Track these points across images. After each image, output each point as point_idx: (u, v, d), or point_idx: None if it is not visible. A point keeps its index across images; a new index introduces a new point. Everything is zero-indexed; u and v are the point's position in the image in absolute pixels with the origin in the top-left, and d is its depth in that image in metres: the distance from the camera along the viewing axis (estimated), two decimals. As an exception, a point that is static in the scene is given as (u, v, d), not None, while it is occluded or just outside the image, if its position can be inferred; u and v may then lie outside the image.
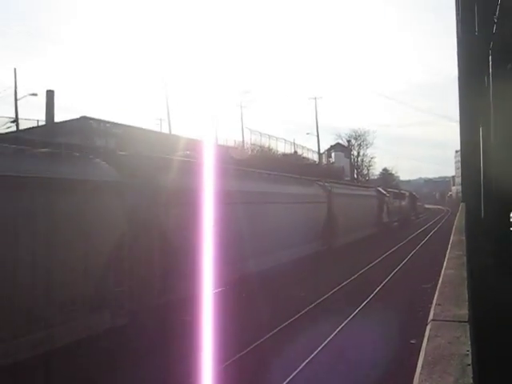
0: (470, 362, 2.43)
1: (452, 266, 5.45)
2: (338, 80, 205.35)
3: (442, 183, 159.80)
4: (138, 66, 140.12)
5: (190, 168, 14.82)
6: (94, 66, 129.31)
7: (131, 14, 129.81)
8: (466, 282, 4.49)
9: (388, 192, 53.13)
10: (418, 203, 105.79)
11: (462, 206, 25.33)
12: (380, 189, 50.48)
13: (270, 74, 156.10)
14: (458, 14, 14.05)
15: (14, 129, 33.75)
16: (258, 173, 22.25)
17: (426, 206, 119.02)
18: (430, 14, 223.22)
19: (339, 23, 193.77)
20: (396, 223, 54.62)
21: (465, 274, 4.97)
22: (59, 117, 31.65)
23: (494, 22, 11.64)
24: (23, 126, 36.03)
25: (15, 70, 40.29)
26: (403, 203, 65.03)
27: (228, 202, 15.11)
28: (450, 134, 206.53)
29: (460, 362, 2.42)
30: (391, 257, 30.28)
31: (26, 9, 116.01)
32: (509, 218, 16.87)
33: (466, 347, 2.64)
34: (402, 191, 72.06)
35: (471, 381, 2.22)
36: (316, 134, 71.82)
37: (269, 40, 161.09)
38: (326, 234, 28.02)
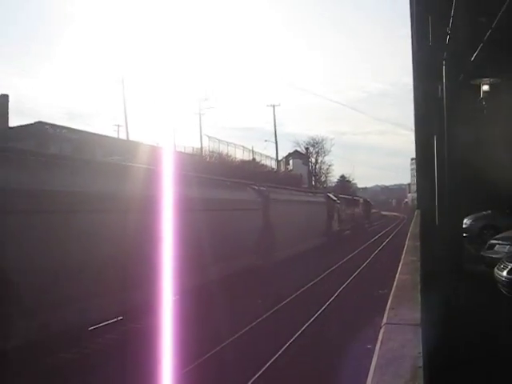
0: (421, 364, 2.48)
1: (406, 271, 5.56)
2: (297, 88, 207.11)
3: (399, 190, 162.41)
4: (95, 70, 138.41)
5: (126, 172, 14.27)
6: (50, 69, 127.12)
7: (89, 17, 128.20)
8: (419, 287, 4.58)
9: (339, 198, 50.27)
10: (374, 210, 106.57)
11: (417, 212, 25.83)
12: (330, 195, 47.76)
13: (229, 81, 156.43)
14: (412, 25, 14.37)
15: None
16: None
17: (383, 212, 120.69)
18: (385, 23, 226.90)
19: (296, 32, 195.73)
20: (348, 231, 51.63)
21: (418, 279, 5.08)
22: (14, 122, 31.07)
23: (448, 34, 11.98)
24: (-24, 130, 35.22)
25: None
26: (357, 210, 63.48)
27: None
28: (406, 142, 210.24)
29: (412, 364, 2.48)
30: (340, 270, 26.75)
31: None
32: (461, 224, 17.29)
33: (418, 350, 2.70)
34: (356, 197, 71.00)
35: (422, 382, 2.27)
36: (274, 141, 72.11)
37: (228, 47, 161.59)
38: (262, 246, 24.11)
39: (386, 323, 3.28)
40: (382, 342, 2.87)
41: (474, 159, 18.41)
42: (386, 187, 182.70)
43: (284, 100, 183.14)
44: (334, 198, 46.85)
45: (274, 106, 72.82)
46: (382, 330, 3.12)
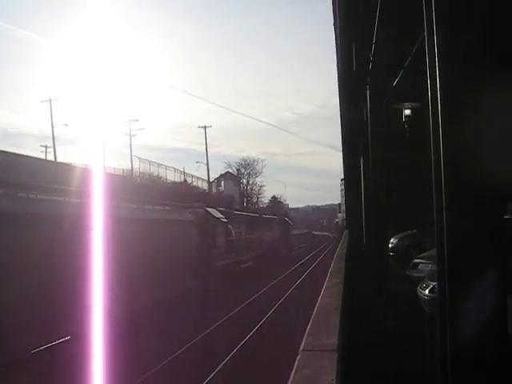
0: (333, 391, 2.51)
1: (328, 294, 5.62)
2: (229, 109, 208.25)
3: (330, 210, 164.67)
4: (21, 88, 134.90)
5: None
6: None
7: (16, 34, 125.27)
8: (340, 310, 4.64)
9: (231, 216, 35.28)
10: (302, 231, 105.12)
11: (345, 232, 26.32)
12: (211, 210, 31.18)
13: (160, 102, 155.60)
14: (337, 52, 14.75)
15: None
16: None
17: (314, 232, 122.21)
18: (312, 48, 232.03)
19: (228, 54, 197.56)
20: (249, 263, 36.83)
21: (339, 302, 5.15)
22: None
23: (370, 60, 12.36)
24: None
25: None
26: (267, 233, 48.82)
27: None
28: (336, 162, 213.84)
29: (323, 391, 2.50)
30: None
31: None
32: (387, 244, 17.72)
33: (331, 376, 2.73)
34: (266, 216, 57.34)
35: (331, 410, 2.29)
36: (206, 162, 72.10)
37: (160, 67, 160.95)
38: None
39: (302, 350, 3.30)
40: (296, 369, 2.88)
41: (400, 181, 18.96)
42: (318, 207, 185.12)
43: (216, 121, 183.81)
44: (218, 215, 31.29)
45: (205, 127, 73.03)
46: (298, 357, 3.14)
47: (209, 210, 30.71)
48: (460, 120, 3.94)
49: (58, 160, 47.87)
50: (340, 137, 24.14)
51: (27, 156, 37.70)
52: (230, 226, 33.29)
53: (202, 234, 27.21)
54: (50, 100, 55.95)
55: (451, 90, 4.00)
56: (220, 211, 32.63)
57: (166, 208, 26.10)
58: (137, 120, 63.73)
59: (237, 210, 42.15)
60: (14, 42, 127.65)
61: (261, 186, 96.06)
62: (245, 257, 36.61)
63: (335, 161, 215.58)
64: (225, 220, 32.12)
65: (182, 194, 44.03)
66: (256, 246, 42.14)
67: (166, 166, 59.32)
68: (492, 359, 3.68)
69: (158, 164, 57.63)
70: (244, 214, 43.01)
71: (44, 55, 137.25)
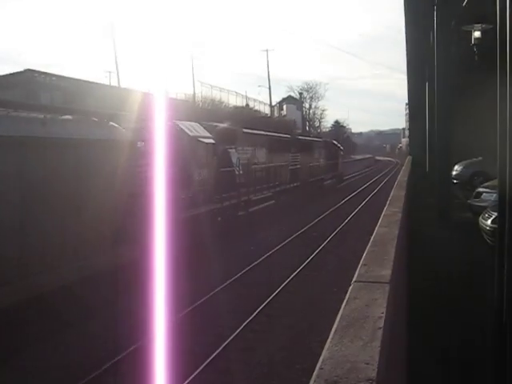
0: (381, 325, 2.52)
1: (386, 223, 5.57)
2: (289, 32, 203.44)
3: (393, 135, 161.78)
4: (83, 14, 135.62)
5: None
6: (36, 14, 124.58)
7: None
8: (396, 241, 4.61)
9: (232, 135, 24.52)
10: (358, 156, 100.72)
11: (408, 159, 25.83)
12: (185, 124, 19.74)
13: (222, 26, 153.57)
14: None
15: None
16: None
17: (377, 158, 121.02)
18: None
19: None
20: (264, 205, 26.70)
21: (397, 232, 5.10)
22: (2, 70, 30.64)
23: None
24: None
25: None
26: (304, 160, 37.10)
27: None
28: (401, 86, 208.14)
29: (372, 325, 2.52)
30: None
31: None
32: (451, 172, 17.35)
33: (381, 310, 2.74)
34: (303, 137, 44.59)
35: (379, 344, 2.31)
36: (268, 86, 71.46)
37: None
38: None
39: (355, 281, 3.31)
40: (347, 301, 2.91)
41: (466, 106, 18.34)
42: (381, 132, 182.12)
43: (278, 45, 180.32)
44: (196, 133, 19.83)
45: (267, 51, 72.07)
46: (350, 289, 3.16)
47: (180, 124, 19.02)
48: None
49: (122, 86, 48.24)
50: (406, 60, 23.30)
51: (92, 82, 38.39)
52: (230, 151, 23.30)
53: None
54: (112, 24, 56.06)
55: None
56: (210, 127, 21.84)
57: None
58: (199, 43, 63.19)
59: (254, 130, 29.36)
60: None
61: (323, 110, 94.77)
62: (259, 195, 26.03)
63: (401, 85, 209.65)
64: (210, 141, 20.07)
65: (244, 118, 43.89)
66: (284, 177, 31.64)
67: (228, 91, 59.27)
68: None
69: (220, 88, 57.61)
70: (264, 134, 30.22)
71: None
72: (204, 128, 20.69)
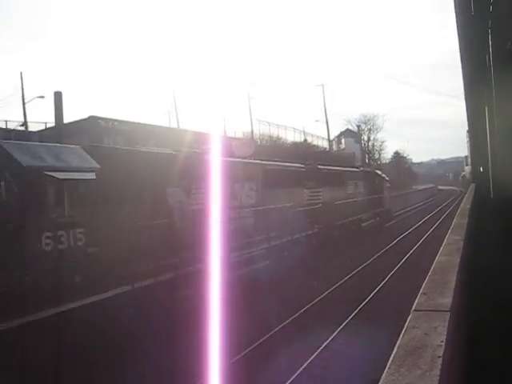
0: (441, 353, 2.45)
1: (447, 251, 5.45)
2: (343, 65, 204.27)
3: (456, 163, 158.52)
4: (144, 62, 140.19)
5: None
6: (98, 64, 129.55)
7: (135, 10, 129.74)
8: (457, 268, 4.49)
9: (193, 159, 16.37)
10: (421, 186, 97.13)
11: (471, 186, 25.25)
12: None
13: (276, 64, 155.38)
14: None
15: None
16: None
17: (440, 187, 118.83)
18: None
19: (342, 8, 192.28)
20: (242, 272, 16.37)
21: (458, 260, 4.97)
22: (68, 117, 31.89)
23: (490, 3, 11.59)
24: (32, 128, 36.28)
25: (21, 73, 40.40)
26: (331, 193, 29.02)
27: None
28: (460, 113, 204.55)
29: (431, 353, 2.45)
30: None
31: (28, 11, 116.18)
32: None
33: (441, 338, 2.66)
34: (328, 167, 31.07)
35: (438, 373, 2.24)
36: (325, 120, 71.56)
37: (273, 29, 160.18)
38: None
39: (414, 310, 3.24)
40: (405, 330, 2.84)
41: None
42: (443, 161, 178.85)
43: (333, 78, 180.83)
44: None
45: (322, 86, 72.42)
46: (409, 318, 3.09)
47: None
48: None
49: (181, 127, 49.38)
50: (463, 85, 22.94)
51: (152, 124, 39.43)
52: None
53: None
54: (171, 68, 57.56)
55: None
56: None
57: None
58: (255, 83, 64.09)
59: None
60: (119, 10, 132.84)
61: (382, 142, 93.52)
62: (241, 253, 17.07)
63: (459, 111, 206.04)
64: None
65: (303, 153, 44.01)
66: (292, 222, 21.66)
67: (285, 127, 59.69)
68: None
69: (278, 125, 58.09)
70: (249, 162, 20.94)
71: (156, 21, 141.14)
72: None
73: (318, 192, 26.80)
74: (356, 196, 33.86)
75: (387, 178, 44.57)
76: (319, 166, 28.60)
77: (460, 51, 18.62)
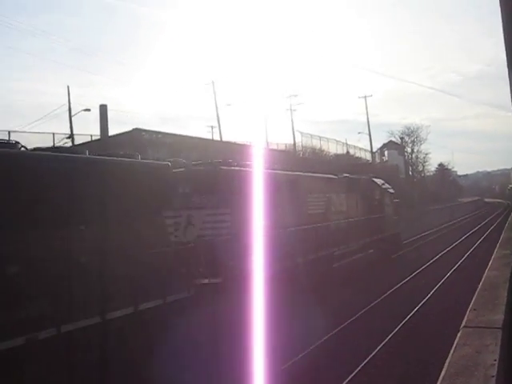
0: (494, 373, 2.34)
1: (496, 266, 5.28)
2: (387, 76, 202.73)
3: (502, 176, 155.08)
4: (186, 75, 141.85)
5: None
6: (141, 77, 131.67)
7: (177, 24, 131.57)
8: (508, 284, 4.34)
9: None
10: (466, 199, 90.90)
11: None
12: None
13: (317, 76, 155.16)
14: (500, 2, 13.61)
15: (69, 144, 34.62)
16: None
17: (486, 200, 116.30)
18: (475, 2, 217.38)
19: (381, 18, 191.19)
20: None
21: (509, 275, 4.81)
22: (112, 130, 32.36)
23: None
24: (78, 140, 36.93)
25: (68, 87, 41.13)
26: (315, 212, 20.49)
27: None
28: (507, 124, 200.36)
29: (484, 373, 2.34)
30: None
31: (74, 27, 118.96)
32: None
33: (494, 356, 2.55)
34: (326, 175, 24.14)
35: (492, 394, 2.14)
36: (368, 132, 71.00)
37: (313, 42, 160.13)
38: None
39: (464, 326, 3.12)
40: (455, 347, 2.73)
41: None
42: (489, 173, 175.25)
43: (376, 90, 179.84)
44: None
45: (365, 97, 71.74)
46: (458, 335, 2.97)
47: None
48: None
49: (224, 139, 49.63)
50: (510, 96, 22.37)
51: (195, 137, 39.76)
52: None
53: None
54: (213, 82, 58.04)
55: None
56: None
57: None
58: (296, 95, 63.93)
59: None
60: (166, 28, 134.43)
61: (426, 154, 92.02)
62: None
63: (506, 122, 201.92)
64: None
65: (345, 165, 43.74)
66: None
67: (327, 139, 59.49)
68: None
69: (320, 137, 57.97)
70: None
71: (197, 39, 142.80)
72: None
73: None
74: (327, 217, 21.63)
75: (392, 190, 31.89)
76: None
77: (507, 62, 18.20)
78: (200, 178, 15.71)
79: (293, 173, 20.88)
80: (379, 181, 30.56)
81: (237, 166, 17.11)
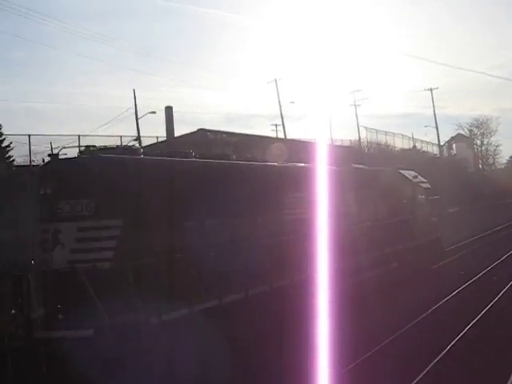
0: None
1: None
2: (452, 67, 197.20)
3: None
4: (250, 74, 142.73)
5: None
6: (205, 77, 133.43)
7: (237, 23, 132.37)
8: None
9: None
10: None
11: None
12: None
13: (380, 70, 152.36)
14: None
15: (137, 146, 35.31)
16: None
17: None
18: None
19: (443, 6, 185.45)
20: None
21: None
22: (177, 130, 32.79)
23: None
24: (145, 142, 37.63)
25: (134, 90, 41.98)
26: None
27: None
28: None
29: None
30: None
31: (139, 31, 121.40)
32: None
33: None
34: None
35: None
36: (435, 126, 69.38)
37: (374, 36, 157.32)
38: None
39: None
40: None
41: None
42: None
43: (442, 82, 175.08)
44: None
45: (431, 89, 70.13)
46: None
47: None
48: None
49: (288, 137, 49.48)
50: None
51: (259, 135, 39.86)
52: None
53: None
54: (276, 80, 57.94)
55: None
56: None
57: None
58: (360, 90, 63.05)
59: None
60: (226, 28, 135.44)
61: (497, 146, 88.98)
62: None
63: None
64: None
65: (412, 160, 42.82)
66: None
67: (393, 133, 58.45)
68: None
69: (385, 132, 57.02)
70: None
71: (257, 37, 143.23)
72: None
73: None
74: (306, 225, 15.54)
75: (427, 185, 25.84)
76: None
77: None
78: (69, 173, 11.08)
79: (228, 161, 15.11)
80: (410, 173, 24.87)
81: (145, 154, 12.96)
